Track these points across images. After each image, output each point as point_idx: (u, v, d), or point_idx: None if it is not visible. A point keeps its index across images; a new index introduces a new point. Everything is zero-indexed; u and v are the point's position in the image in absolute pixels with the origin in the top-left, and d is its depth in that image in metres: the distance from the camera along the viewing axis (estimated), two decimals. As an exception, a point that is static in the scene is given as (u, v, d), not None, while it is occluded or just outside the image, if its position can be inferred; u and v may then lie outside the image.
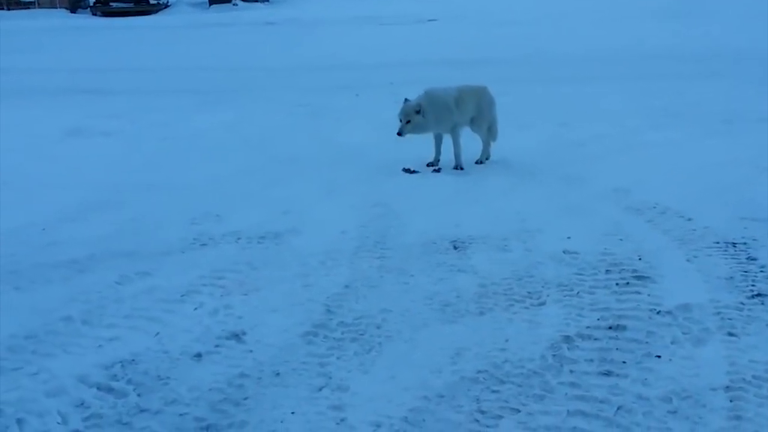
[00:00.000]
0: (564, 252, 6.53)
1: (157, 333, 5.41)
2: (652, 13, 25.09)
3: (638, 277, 6.02)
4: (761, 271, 6.07)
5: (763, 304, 5.57)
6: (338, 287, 6.01)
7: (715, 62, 16.25)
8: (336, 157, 9.93)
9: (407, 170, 9.14)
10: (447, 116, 9.00)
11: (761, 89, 13.21)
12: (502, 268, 6.28)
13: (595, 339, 5.18)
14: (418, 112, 8.82)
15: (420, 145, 9.55)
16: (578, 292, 5.82)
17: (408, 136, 8.96)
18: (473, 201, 7.98)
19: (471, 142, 9.59)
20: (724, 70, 15.36)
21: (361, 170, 9.23)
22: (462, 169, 9.17)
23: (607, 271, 6.16)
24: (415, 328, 5.38)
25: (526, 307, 5.63)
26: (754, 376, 4.74)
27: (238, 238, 7.10)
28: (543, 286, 5.94)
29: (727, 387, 4.64)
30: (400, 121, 8.87)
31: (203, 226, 7.45)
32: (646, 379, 4.74)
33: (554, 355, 5.01)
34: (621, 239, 6.79)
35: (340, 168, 9.38)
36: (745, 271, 6.08)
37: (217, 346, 5.24)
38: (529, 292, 5.85)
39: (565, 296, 5.77)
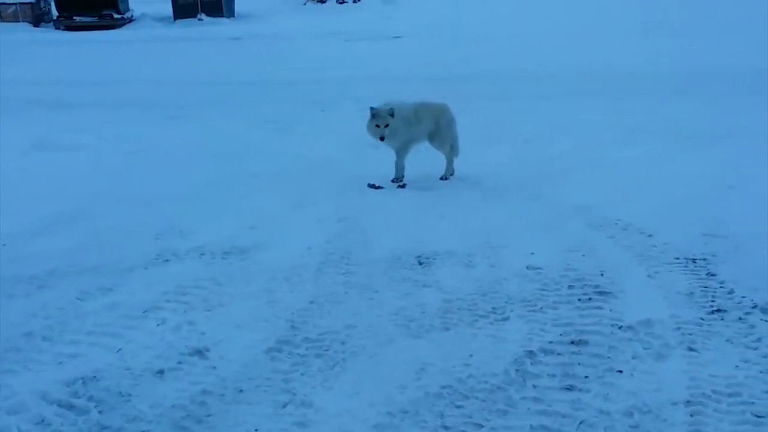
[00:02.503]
0: (528, 268, 6.57)
1: (119, 349, 5.39)
2: (624, 30, 25.31)
3: (600, 293, 6.06)
4: (721, 287, 6.13)
5: (722, 319, 5.63)
6: (303, 303, 6.01)
7: (685, 80, 16.41)
8: (303, 172, 9.93)
9: (372, 186, 9.16)
10: (402, 131, 9.00)
11: (728, 106, 13.35)
12: (467, 283, 6.30)
13: (558, 354, 5.22)
14: (392, 116, 8.83)
15: (386, 161, 9.58)
16: (541, 308, 5.85)
17: (387, 141, 8.95)
18: (438, 217, 8.00)
19: (434, 157, 9.63)
20: (693, 88, 15.51)
21: (328, 185, 9.24)
22: (403, 185, 9.16)
23: (569, 286, 6.20)
24: (379, 343, 5.39)
25: (491, 323, 5.66)
26: (713, 391, 4.78)
27: (203, 254, 7.09)
28: (507, 302, 5.97)
29: (688, 401, 4.69)
30: (377, 126, 8.83)
31: (168, 241, 7.43)
32: (607, 393, 4.78)
33: (517, 370, 5.03)
34: (584, 255, 6.84)
35: (307, 182, 9.38)
36: (705, 287, 6.14)
37: (179, 362, 5.22)
38: (493, 308, 5.87)
39: (528, 311, 5.81)
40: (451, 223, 7.77)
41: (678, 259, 6.70)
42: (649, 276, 6.36)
